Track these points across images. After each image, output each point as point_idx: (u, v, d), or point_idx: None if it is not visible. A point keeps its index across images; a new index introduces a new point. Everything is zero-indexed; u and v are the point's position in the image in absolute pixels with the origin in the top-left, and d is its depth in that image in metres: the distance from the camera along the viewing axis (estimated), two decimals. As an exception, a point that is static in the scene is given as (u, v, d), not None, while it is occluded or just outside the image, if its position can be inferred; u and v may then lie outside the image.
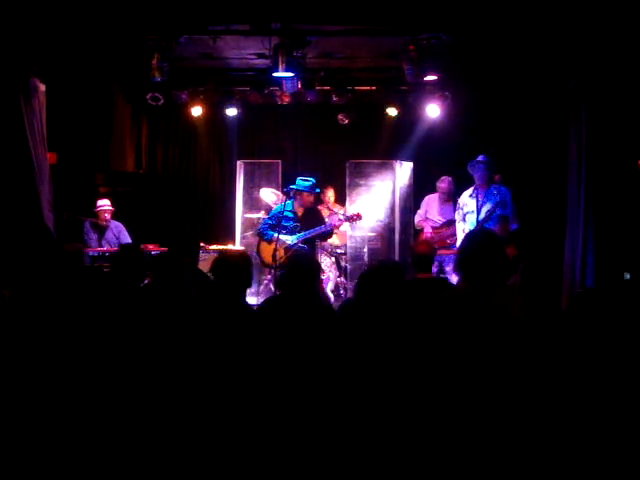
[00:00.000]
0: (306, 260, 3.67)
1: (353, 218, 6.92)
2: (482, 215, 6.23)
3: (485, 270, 2.78)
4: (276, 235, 6.49)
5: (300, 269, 3.45)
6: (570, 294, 6.04)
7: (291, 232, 6.59)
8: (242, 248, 7.65)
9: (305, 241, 6.60)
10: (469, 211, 6.40)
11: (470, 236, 3.18)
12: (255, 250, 7.02)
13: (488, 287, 2.75)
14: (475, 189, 6.40)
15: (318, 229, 6.58)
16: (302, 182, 6.61)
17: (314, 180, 6.68)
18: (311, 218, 6.70)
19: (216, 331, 3.06)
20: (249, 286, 3.43)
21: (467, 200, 6.46)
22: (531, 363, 2.57)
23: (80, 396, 2.71)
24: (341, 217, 6.92)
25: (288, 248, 6.54)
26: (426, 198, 7.54)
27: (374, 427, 2.53)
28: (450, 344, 2.65)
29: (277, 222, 6.63)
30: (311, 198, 6.66)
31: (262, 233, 6.75)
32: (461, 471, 2.41)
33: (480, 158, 6.38)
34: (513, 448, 2.40)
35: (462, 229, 6.49)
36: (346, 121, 8.53)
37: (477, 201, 6.32)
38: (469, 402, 2.51)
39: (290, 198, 6.68)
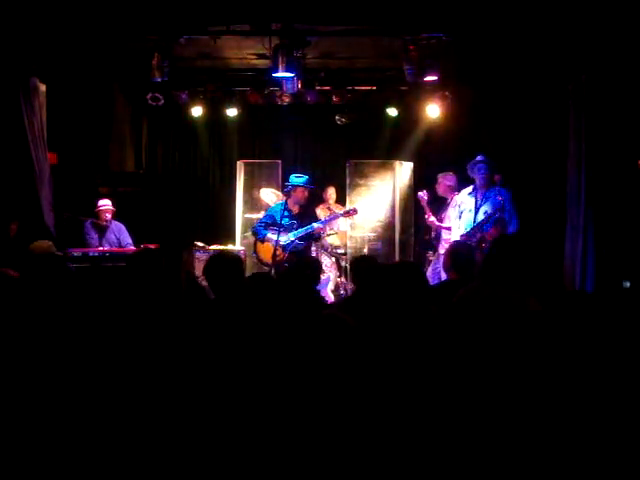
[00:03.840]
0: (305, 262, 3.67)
1: (350, 213, 6.97)
2: (480, 216, 6.16)
3: (511, 275, 2.79)
4: (270, 235, 6.53)
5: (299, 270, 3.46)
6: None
7: (287, 230, 6.60)
8: (242, 248, 7.66)
9: (302, 238, 6.63)
10: (466, 209, 6.31)
11: (502, 243, 3.18)
12: (253, 250, 7.03)
13: (508, 288, 2.77)
14: (475, 188, 6.35)
15: (316, 224, 6.60)
16: (297, 178, 6.63)
17: (307, 176, 6.70)
18: (307, 216, 6.72)
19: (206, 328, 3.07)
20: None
21: (465, 198, 6.37)
22: (549, 359, 2.57)
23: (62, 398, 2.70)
24: (338, 212, 6.96)
25: (286, 247, 6.56)
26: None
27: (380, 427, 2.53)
28: (468, 340, 2.65)
29: (272, 221, 6.66)
30: (306, 193, 6.66)
31: (256, 232, 6.78)
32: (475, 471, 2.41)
33: (479, 158, 6.28)
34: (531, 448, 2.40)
35: (457, 226, 6.39)
36: (343, 120, 8.53)
37: (476, 200, 6.27)
38: (480, 399, 2.51)
39: (287, 198, 6.69)
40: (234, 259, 3.67)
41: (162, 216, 8.91)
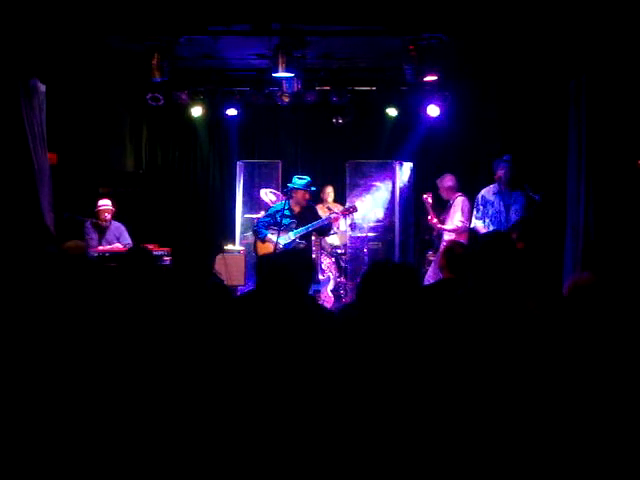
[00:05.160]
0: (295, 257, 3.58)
1: (349, 210, 7.01)
2: (513, 215, 6.27)
3: (499, 272, 2.78)
4: (270, 235, 6.56)
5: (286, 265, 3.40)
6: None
7: (287, 230, 6.63)
8: (242, 248, 7.66)
9: (302, 237, 6.65)
10: (493, 209, 6.38)
11: (486, 240, 3.18)
12: (253, 250, 7.04)
13: (501, 288, 2.76)
14: (499, 188, 6.40)
15: (316, 223, 6.63)
16: (298, 180, 6.68)
17: (310, 179, 6.73)
18: (307, 215, 6.75)
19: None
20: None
21: (491, 197, 6.42)
22: (545, 358, 2.57)
23: (82, 395, 2.71)
24: (337, 211, 6.99)
25: (286, 246, 6.58)
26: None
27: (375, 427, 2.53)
28: (461, 342, 2.65)
29: (273, 221, 6.68)
30: (307, 196, 6.70)
31: (257, 231, 6.81)
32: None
33: (506, 157, 6.40)
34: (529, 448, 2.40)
35: (482, 227, 6.46)
36: (340, 121, 8.53)
37: (504, 199, 6.32)
38: (479, 402, 2.51)
39: (289, 198, 6.72)
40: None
41: (162, 216, 8.93)
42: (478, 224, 6.51)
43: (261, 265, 3.50)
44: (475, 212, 6.57)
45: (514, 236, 6.20)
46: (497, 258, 2.80)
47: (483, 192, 6.51)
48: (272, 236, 6.54)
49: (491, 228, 6.36)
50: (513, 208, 6.28)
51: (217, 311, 3.29)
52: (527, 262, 5.71)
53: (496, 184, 6.44)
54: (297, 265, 3.36)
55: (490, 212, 6.40)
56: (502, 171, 6.35)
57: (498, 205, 6.35)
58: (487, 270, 2.80)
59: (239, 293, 7.31)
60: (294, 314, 3.14)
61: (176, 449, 2.62)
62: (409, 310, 2.84)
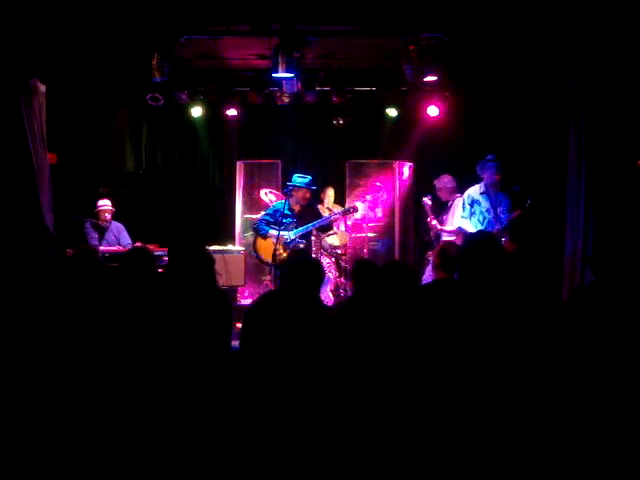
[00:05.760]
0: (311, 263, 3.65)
1: (350, 211, 7.01)
2: (500, 216, 6.28)
3: (486, 271, 2.78)
4: (271, 231, 6.57)
5: (306, 269, 3.44)
6: (570, 290, 6.05)
7: (288, 229, 6.63)
8: (242, 248, 7.65)
9: (302, 236, 6.66)
10: (482, 209, 6.37)
11: (472, 240, 3.18)
12: (252, 249, 7.03)
13: (490, 286, 2.76)
14: (486, 188, 6.39)
15: (317, 222, 6.64)
16: (299, 178, 6.66)
17: (311, 177, 6.73)
18: (308, 214, 6.75)
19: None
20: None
21: (478, 197, 6.41)
22: (537, 358, 2.57)
23: (86, 393, 2.72)
24: (338, 211, 6.99)
25: (286, 245, 6.58)
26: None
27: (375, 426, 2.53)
28: (453, 341, 2.65)
29: (274, 220, 6.68)
30: (308, 194, 6.68)
31: (258, 228, 6.81)
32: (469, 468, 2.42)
33: (490, 157, 6.37)
34: (520, 445, 2.41)
35: (469, 226, 6.43)
36: (341, 121, 8.52)
37: (491, 201, 6.32)
38: (471, 398, 2.51)
39: (289, 197, 6.71)
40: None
41: (162, 216, 8.92)
42: (464, 223, 6.49)
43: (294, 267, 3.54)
44: (462, 211, 6.55)
45: (506, 238, 6.23)
46: (483, 257, 2.81)
47: (470, 191, 6.50)
48: (273, 232, 6.55)
49: (479, 227, 6.36)
50: (500, 209, 6.29)
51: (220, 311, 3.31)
52: (518, 261, 5.74)
53: (482, 184, 6.43)
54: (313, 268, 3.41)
55: (477, 212, 6.40)
56: (490, 172, 6.34)
57: (486, 205, 6.35)
58: (475, 269, 2.81)
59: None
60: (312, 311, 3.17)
61: (180, 448, 2.62)
62: (402, 308, 2.85)
